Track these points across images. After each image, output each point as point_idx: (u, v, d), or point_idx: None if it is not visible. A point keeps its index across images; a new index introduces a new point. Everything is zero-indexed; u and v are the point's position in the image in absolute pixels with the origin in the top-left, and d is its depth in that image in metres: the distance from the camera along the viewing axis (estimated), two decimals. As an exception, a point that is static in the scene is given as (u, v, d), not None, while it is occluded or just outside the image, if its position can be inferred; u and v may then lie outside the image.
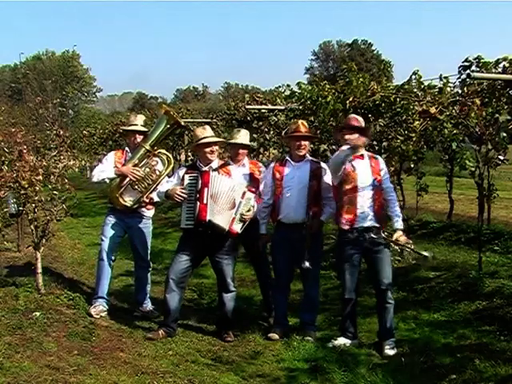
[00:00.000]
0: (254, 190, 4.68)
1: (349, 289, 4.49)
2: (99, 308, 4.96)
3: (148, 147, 5.01)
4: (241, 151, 5.03)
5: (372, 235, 4.39)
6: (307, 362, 4.21)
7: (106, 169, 5.06)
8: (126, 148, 5.26)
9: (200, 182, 4.46)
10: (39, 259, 5.08)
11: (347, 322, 4.55)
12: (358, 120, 4.53)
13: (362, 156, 4.48)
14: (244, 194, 4.52)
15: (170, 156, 5.25)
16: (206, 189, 4.43)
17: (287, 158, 4.86)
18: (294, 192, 4.65)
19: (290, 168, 4.73)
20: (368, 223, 4.40)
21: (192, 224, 4.49)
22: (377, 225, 4.42)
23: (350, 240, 4.42)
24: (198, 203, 4.43)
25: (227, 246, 4.64)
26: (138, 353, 4.20)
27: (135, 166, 5.00)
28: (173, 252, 7.07)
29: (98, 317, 4.86)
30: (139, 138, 5.10)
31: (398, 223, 4.49)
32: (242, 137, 5.03)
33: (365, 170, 4.45)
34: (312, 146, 6.89)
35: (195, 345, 4.53)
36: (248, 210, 4.54)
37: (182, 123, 5.35)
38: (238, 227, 4.53)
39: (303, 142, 4.69)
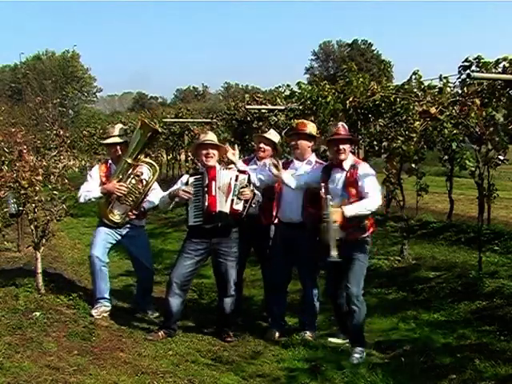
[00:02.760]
0: (246, 171, 4.67)
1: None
2: (101, 309, 4.94)
3: (130, 160, 4.91)
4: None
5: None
6: (307, 362, 4.21)
7: (91, 188, 4.97)
8: (109, 161, 5.16)
9: (207, 177, 4.52)
10: (39, 259, 5.08)
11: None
12: (345, 127, 4.48)
13: (342, 168, 4.36)
14: (237, 177, 4.55)
15: (154, 163, 5.15)
16: (213, 182, 4.50)
17: (292, 157, 4.88)
18: (291, 191, 4.65)
19: (292, 167, 4.73)
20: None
21: (200, 220, 4.50)
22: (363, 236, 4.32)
23: None
24: (207, 196, 4.48)
25: (232, 249, 4.62)
26: (138, 353, 4.19)
27: (119, 180, 4.92)
28: (173, 252, 7.09)
29: (100, 317, 4.84)
30: (120, 150, 5.00)
31: (347, 207, 4.19)
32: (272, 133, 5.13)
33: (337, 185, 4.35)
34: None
35: (195, 345, 4.52)
36: (244, 187, 4.51)
37: (160, 130, 5.24)
38: (239, 206, 4.52)
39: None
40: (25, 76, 40.23)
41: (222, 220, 4.49)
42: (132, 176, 4.96)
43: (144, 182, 4.97)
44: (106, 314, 4.92)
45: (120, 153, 5.00)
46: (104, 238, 5.01)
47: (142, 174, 4.99)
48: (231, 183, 4.52)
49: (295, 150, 4.76)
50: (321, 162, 4.84)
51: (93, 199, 4.98)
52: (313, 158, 4.78)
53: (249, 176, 4.63)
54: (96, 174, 5.09)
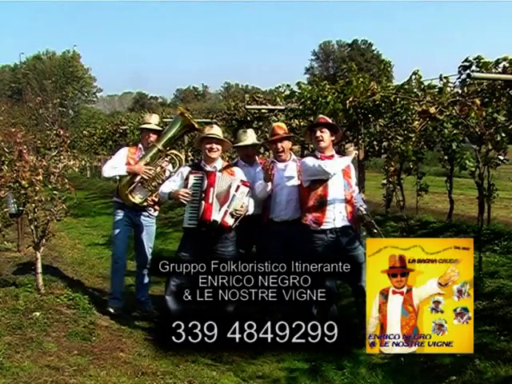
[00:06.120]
0: (248, 184, 4.58)
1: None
2: (115, 305, 5.11)
3: (161, 147, 5.07)
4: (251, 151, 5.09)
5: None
6: (307, 362, 4.21)
7: (117, 165, 5.10)
8: (140, 145, 5.30)
9: (206, 181, 4.45)
10: (39, 259, 5.08)
11: None
12: (326, 118, 4.65)
13: (331, 156, 4.53)
14: (238, 187, 4.47)
15: (182, 156, 5.27)
16: (211, 188, 4.43)
17: (272, 159, 4.94)
18: (284, 191, 4.68)
19: (278, 168, 4.75)
20: (340, 224, 4.43)
21: (195, 224, 4.48)
22: (348, 224, 4.46)
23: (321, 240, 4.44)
24: (204, 203, 4.42)
25: (228, 248, 4.59)
26: (138, 353, 4.20)
27: (147, 164, 5.06)
28: (173, 252, 7.08)
29: (117, 313, 5.01)
30: (153, 137, 5.16)
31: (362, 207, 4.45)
32: (249, 137, 5.05)
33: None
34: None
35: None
36: (241, 206, 4.47)
37: (196, 126, 5.36)
38: (230, 221, 4.47)
39: (280, 144, 4.76)
40: (25, 76, 40.30)
41: (216, 226, 4.46)
42: (158, 164, 5.09)
43: (168, 173, 5.09)
44: (120, 311, 5.07)
45: (152, 139, 5.14)
46: (124, 230, 5.22)
47: (168, 164, 5.12)
48: (230, 192, 4.44)
49: (281, 154, 4.81)
50: (300, 158, 4.95)
51: (117, 176, 5.16)
52: (292, 155, 4.94)
53: (249, 190, 4.55)
54: (124, 153, 5.22)
